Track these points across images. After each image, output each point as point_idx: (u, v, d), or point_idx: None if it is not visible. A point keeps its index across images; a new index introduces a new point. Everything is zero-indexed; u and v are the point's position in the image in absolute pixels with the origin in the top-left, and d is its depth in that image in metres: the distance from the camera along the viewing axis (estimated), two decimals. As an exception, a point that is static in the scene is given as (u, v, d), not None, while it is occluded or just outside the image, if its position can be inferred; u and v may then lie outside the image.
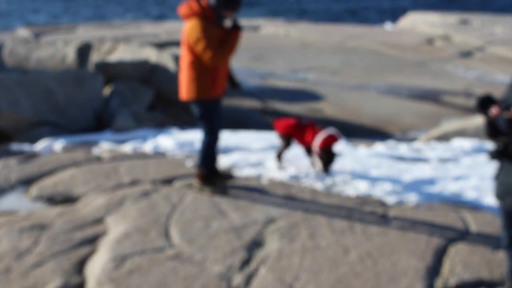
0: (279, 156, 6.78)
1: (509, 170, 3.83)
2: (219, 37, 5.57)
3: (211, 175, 6.14)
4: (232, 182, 6.33)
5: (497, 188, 3.97)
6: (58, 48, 12.52)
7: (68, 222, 5.41)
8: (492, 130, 3.82)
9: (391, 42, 20.13)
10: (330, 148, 6.48)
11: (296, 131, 6.64)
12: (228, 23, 5.66)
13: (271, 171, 6.69)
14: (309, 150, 6.68)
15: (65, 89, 9.99)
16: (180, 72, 5.85)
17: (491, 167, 7.35)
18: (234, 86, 6.22)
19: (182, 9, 5.65)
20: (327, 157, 6.50)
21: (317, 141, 6.45)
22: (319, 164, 6.63)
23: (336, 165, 6.81)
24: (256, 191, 6.12)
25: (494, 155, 3.81)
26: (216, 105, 5.85)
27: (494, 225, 5.38)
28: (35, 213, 5.70)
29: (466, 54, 18.65)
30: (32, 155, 7.55)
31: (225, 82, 5.92)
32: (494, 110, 3.76)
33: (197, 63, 5.63)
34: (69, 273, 4.56)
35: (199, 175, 6.09)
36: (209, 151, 6.00)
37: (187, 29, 5.61)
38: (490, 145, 8.40)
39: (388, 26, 26.00)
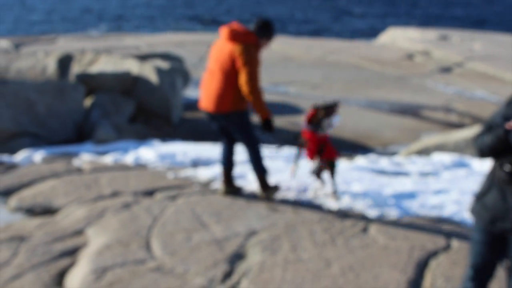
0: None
1: (507, 194, 3.48)
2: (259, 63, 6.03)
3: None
4: (241, 193, 6.46)
5: (486, 213, 3.58)
6: (39, 59, 12.41)
7: (47, 234, 5.35)
8: (504, 147, 3.41)
9: (371, 57, 20.27)
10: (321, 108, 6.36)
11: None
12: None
13: (253, 184, 6.68)
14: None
15: (45, 100, 9.90)
16: (211, 86, 6.02)
17: (471, 181, 7.42)
18: None
19: (230, 32, 5.92)
20: (325, 112, 6.33)
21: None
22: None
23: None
24: (238, 204, 6.10)
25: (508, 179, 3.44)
26: (249, 115, 6.17)
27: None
28: (14, 225, 5.63)
29: (446, 69, 18.85)
30: (12, 166, 7.47)
31: None
32: None
33: (235, 80, 5.92)
34: (48, 286, 4.51)
35: (264, 182, 6.30)
36: (261, 155, 6.27)
37: (235, 51, 5.85)
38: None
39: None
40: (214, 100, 5.99)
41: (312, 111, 6.35)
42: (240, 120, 6.11)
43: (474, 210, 3.68)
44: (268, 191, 6.32)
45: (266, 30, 6.09)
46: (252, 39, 5.95)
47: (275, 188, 6.38)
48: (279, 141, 10.66)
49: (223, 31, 5.98)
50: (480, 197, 3.63)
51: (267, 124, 6.08)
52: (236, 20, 6.29)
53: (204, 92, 6.11)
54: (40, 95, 9.90)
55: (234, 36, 5.91)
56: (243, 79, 5.86)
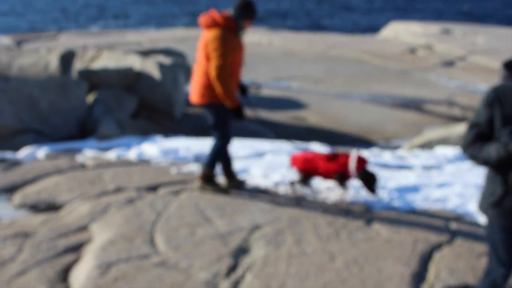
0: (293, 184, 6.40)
1: None
2: (238, 47, 5.87)
3: (214, 176, 6.32)
4: (243, 187, 6.43)
5: (510, 215, 3.55)
6: (41, 55, 12.42)
7: (52, 230, 5.37)
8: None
9: (374, 51, 20.25)
10: (366, 168, 6.10)
11: (317, 164, 6.18)
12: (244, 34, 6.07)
13: (256, 178, 6.69)
14: (341, 178, 6.09)
15: (48, 97, 9.91)
16: (194, 77, 6.05)
17: (474, 175, 7.41)
18: (243, 93, 6.33)
19: (205, 19, 5.88)
20: (370, 178, 6.05)
21: (352, 165, 6.01)
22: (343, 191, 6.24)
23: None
24: (241, 198, 6.11)
25: None
26: (227, 111, 5.98)
27: (478, 232, 5.42)
28: (18, 221, 5.65)
29: (448, 63, 18.82)
30: (15, 163, 7.48)
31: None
32: None
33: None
34: (53, 281, 4.52)
35: (204, 174, 6.23)
36: (220, 153, 6.21)
37: (208, 37, 5.80)
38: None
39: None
40: (197, 92, 5.98)
41: (360, 161, 6.08)
42: (220, 112, 5.99)
43: (490, 213, 3.64)
44: (204, 184, 6.27)
45: (246, 11, 5.91)
46: (228, 24, 5.82)
47: (216, 186, 6.27)
48: (282, 136, 10.66)
49: (201, 20, 5.91)
50: (497, 203, 3.58)
51: (237, 112, 5.95)
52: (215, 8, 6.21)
53: (192, 84, 6.12)
54: (42, 91, 9.91)
55: (211, 23, 5.83)
56: (212, 64, 5.75)
